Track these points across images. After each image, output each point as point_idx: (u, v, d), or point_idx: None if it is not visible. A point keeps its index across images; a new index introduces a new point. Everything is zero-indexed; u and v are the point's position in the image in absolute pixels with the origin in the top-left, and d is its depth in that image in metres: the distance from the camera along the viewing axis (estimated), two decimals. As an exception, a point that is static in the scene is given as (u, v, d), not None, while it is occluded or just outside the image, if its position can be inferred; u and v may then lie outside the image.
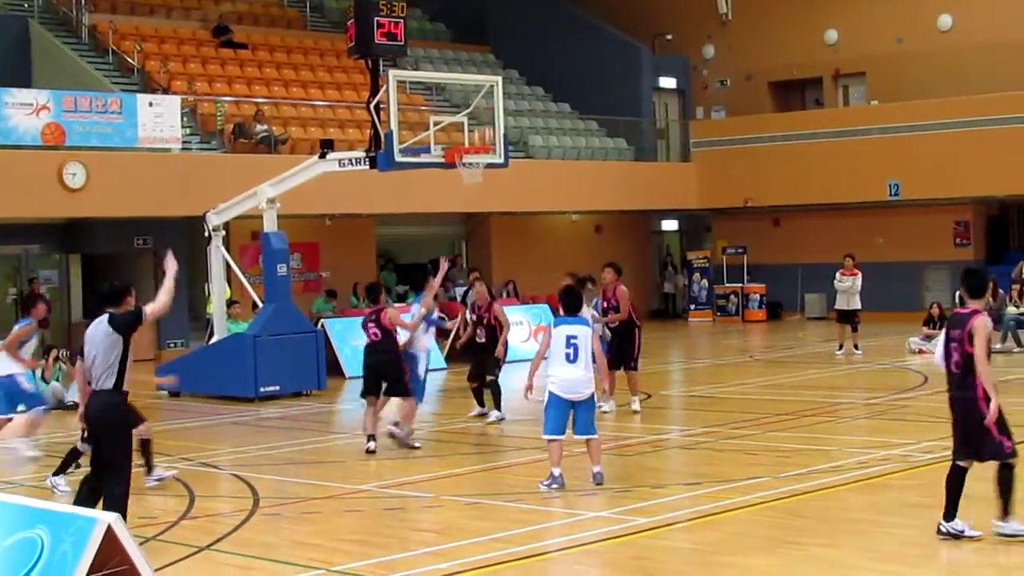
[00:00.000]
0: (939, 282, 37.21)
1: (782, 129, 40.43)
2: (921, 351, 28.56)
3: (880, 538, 11.76)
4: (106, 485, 11.33)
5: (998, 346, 28.60)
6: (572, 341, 13.97)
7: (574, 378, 13.96)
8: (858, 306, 29.13)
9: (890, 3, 41.37)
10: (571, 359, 13.94)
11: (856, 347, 28.93)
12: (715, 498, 13.61)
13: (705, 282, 41.91)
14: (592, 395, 14.12)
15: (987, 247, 38.82)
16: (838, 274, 29.50)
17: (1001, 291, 29.70)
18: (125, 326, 11.40)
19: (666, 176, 41.89)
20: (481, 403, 20.29)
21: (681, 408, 22.03)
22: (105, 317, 11.48)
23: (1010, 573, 10.79)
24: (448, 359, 28.31)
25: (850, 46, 42.08)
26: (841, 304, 29.40)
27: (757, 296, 40.63)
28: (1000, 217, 39.61)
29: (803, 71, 43.45)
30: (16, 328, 17.61)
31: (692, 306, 41.86)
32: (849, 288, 29.21)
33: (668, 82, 44.55)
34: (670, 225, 45.16)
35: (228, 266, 25.86)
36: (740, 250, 41.41)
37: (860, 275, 29.22)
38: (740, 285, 41.03)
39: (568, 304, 14.42)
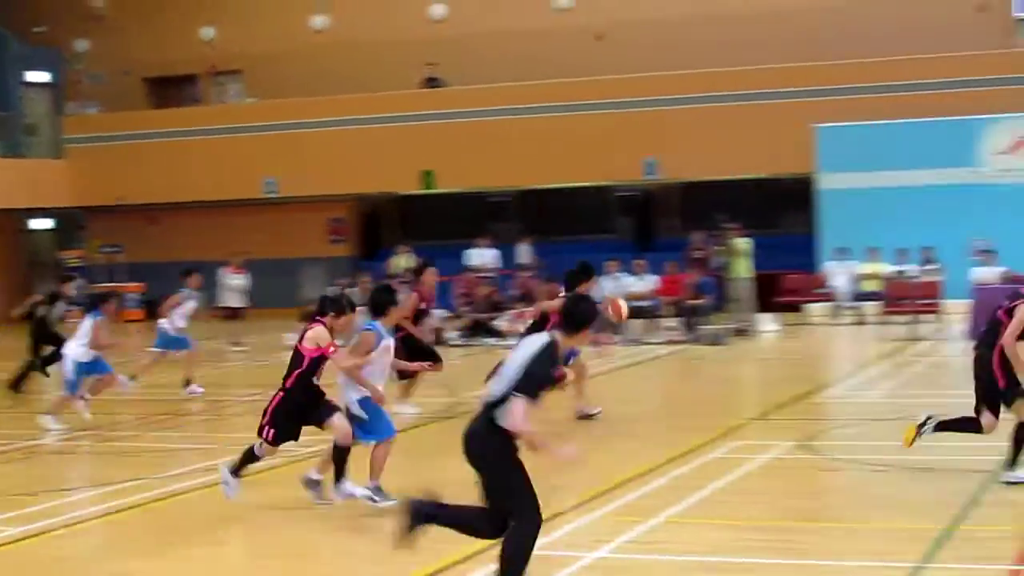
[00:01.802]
0: (315, 278, 37.72)
1: (159, 126, 40.01)
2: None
3: (262, 534, 11.69)
4: None
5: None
6: None
7: None
8: (246, 303, 29.57)
9: (265, 2, 41.71)
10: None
11: (238, 344, 28.97)
12: (94, 502, 13.21)
13: (82, 282, 40.78)
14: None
15: (363, 244, 39.79)
16: (226, 271, 29.61)
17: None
18: None
19: (36, 173, 40.58)
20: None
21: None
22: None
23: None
24: None
25: (227, 44, 42.06)
26: (233, 301, 29.56)
27: (136, 295, 39.87)
28: (374, 214, 40.71)
29: (180, 68, 43.09)
30: None
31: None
32: (240, 286, 29.51)
33: (39, 76, 43.01)
34: (42, 224, 43.67)
35: None
36: (116, 249, 40.63)
37: (247, 273, 29.62)
38: (116, 285, 40.17)
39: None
